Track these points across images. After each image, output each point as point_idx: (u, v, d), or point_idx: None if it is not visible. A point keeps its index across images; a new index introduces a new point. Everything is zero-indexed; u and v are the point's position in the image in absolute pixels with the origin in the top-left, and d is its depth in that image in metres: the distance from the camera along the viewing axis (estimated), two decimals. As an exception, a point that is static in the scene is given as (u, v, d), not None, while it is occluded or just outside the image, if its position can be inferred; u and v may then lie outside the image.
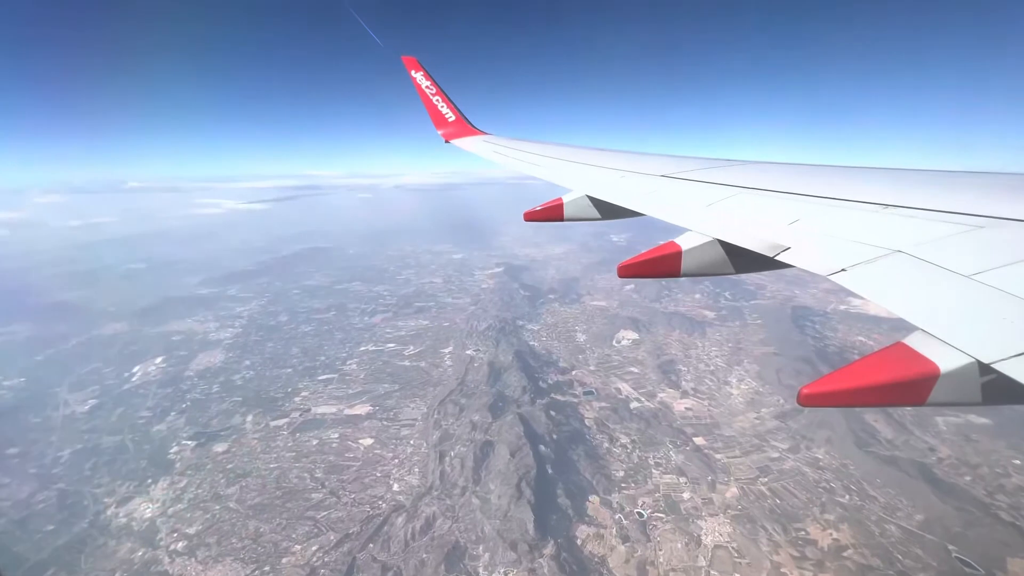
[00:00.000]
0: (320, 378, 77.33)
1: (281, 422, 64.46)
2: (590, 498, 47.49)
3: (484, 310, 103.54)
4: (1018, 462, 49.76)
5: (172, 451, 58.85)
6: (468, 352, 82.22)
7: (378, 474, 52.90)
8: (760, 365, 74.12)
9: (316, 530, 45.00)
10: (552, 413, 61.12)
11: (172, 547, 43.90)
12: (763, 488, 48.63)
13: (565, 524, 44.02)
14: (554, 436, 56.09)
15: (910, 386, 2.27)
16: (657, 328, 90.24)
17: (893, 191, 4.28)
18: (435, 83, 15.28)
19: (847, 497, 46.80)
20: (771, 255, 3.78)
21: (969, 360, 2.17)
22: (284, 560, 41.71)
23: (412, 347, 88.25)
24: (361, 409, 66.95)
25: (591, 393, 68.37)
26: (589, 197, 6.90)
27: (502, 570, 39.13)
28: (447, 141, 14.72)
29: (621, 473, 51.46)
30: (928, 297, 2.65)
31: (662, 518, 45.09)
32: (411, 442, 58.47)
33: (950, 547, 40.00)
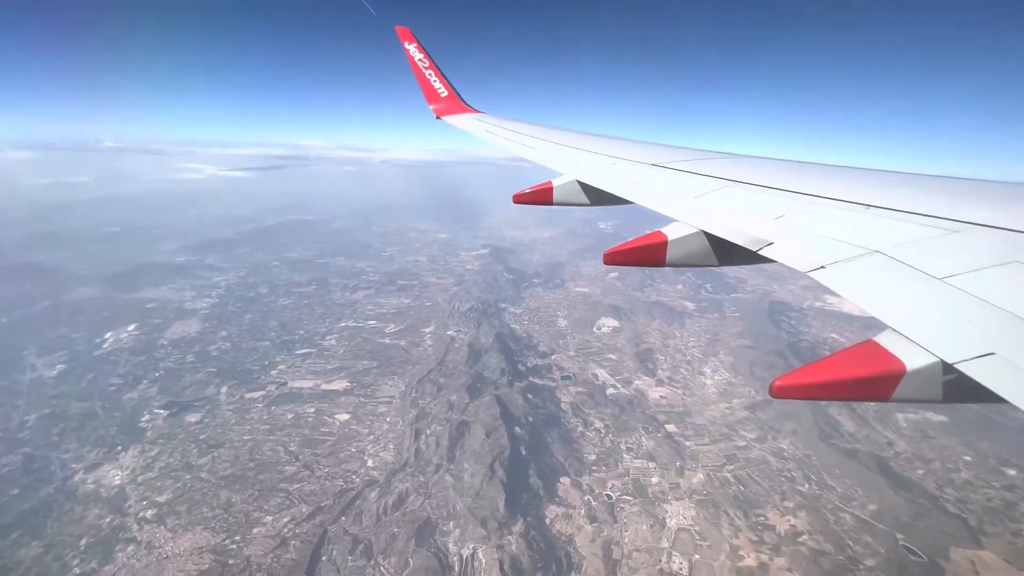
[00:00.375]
0: (298, 352, 76.71)
1: (257, 394, 63.99)
2: (561, 479, 48.53)
3: (467, 291, 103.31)
4: (969, 458, 52.24)
5: (143, 419, 58.09)
6: (449, 332, 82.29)
7: (353, 449, 53.13)
8: (735, 357, 75.81)
9: (288, 502, 45.21)
10: (529, 396, 61.85)
11: (141, 514, 43.69)
12: (728, 475, 50.25)
13: (535, 504, 45.00)
14: (530, 418, 56.86)
15: (876, 382, 2.37)
16: (638, 317, 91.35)
17: (876, 192, 4.37)
18: (428, 56, 14.90)
19: (807, 486, 48.69)
20: (755, 249, 3.86)
21: (934, 360, 2.27)
22: (255, 530, 41.91)
23: (393, 325, 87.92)
24: (339, 385, 66.80)
25: (569, 378, 69.28)
26: (579, 182, 6.85)
27: (471, 546, 39.96)
28: (438, 117, 14.41)
29: (593, 456, 52.59)
30: (900, 297, 2.74)
31: (630, 501, 46.38)
32: (387, 419, 58.71)
33: (898, 536, 42.08)
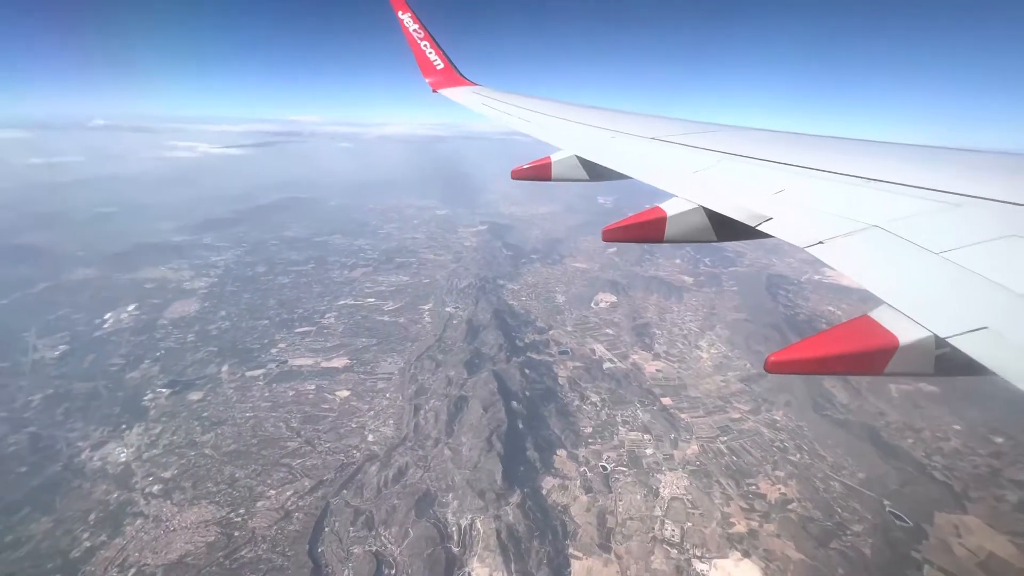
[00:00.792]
0: (297, 330, 77.19)
1: (257, 372, 64.72)
2: (557, 452, 49.56)
3: (466, 268, 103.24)
4: (958, 427, 53.18)
5: (146, 398, 58.93)
6: (447, 309, 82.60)
7: (353, 425, 54.07)
8: (731, 331, 76.29)
9: (291, 476, 46.29)
10: (527, 371, 62.55)
11: (147, 490, 44.80)
12: (722, 446, 51.27)
13: (532, 475, 46.08)
14: (527, 393, 57.66)
15: (869, 357, 2.42)
16: (635, 292, 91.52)
17: (877, 165, 4.35)
18: (423, 27, 14.45)
19: (798, 456, 49.75)
20: (753, 225, 3.86)
21: (927, 334, 2.31)
22: (259, 504, 43.03)
23: (391, 302, 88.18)
24: (338, 362, 67.48)
25: (566, 353, 69.91)
26: (578, 157, 6.79)
27: (470, 516, 41.10)
28: (434, 90, 14.12)
29: (589, 429, 53.55)
30: (897, 272, 2.76)
31: (624, 472, 47.46)
32: (387, 395, 59.54)
33: (885, 502, 43.23)
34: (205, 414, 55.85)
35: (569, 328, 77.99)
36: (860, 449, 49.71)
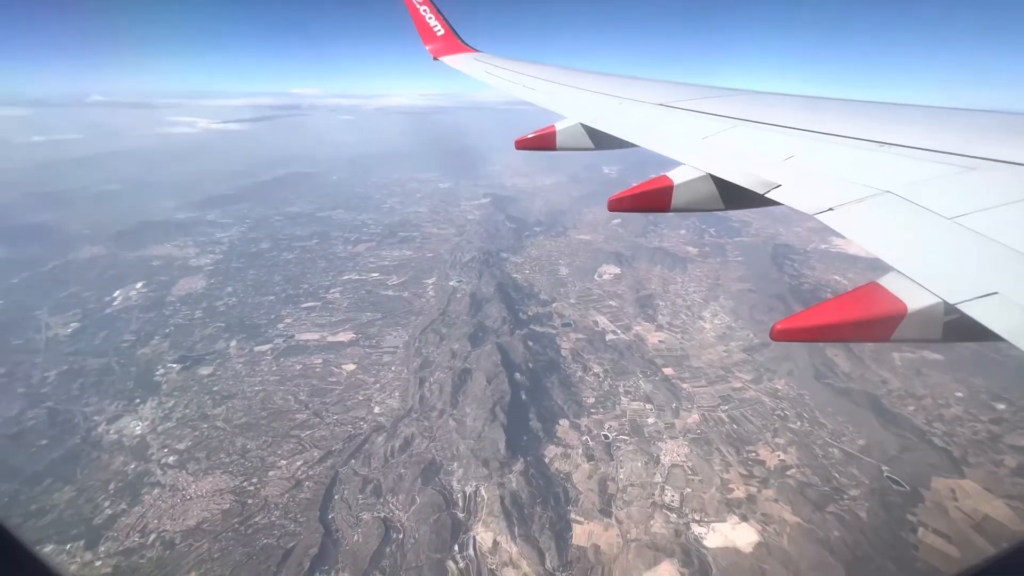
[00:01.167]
0: (303, 306, 77.97)
1: (265, 347, 65.79)
2: (560, 422, 50.43)
3: (469, 241, 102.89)
4: (960, 394, 53.30)
5: (158, 373, 60.30)
6: (451, 283, 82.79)
7: (360, 397, 55.17)
8: (735, 301, 76.03)
9: (300, 447, 47.63)
10: (530, 343, 63.05)
11: (163, 461, 46.38)
12: (723, 415, 51.88)
13: (535, 444, 47.07)
14: (530, 365, 58.28)
15: (877, 324, 2.41)
16: (640, 263, 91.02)
17: (891, 128, 4.24)
18: None
19: (799, 424, 50.29)
20: (762, 192, 3.81)
21: (936, 300, 2.29)
22: (270, 473, 44.49)
23: (395, 277, 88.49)
24: (344, 336, 68.33)
25: (569, 325, 70.23)
26: (583, 126, 6.66)
27: (474, 484, 42.28)
28: (435, 58, 13.76)
29: (592, 400, 54.29)
30: (908, 238, 2.73)
31: (626, 440, 48.33)
32: (392, 368, 60.46)
33: (883, 468, 43.85)
34: (215, 388, 57.17)
35: (572, 300, 78.08)
36: (861, 416, 50.11)
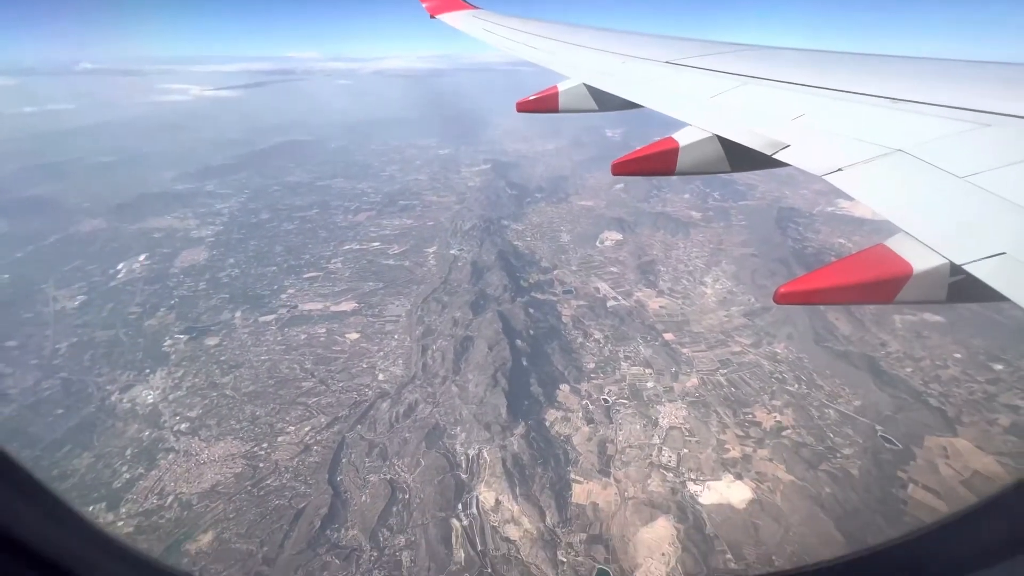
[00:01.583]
0: (305, 276, 78.38)
1: (269, 318, 66.63)
2: (560, 387, 51.38)
3: (469, 209, 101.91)
4: (959, 356, 53.63)
5: (166, 344, 61.45)
6: (452, 251, 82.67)
7: (364, 365, 56.22)
8: (737, 266, 75.67)
9: (308, 414, 48.98)
10: (531, 311, 63.42)
11: (176, 428, 47.95)
12: (721, 378, 52.62)
13: (536, 409, 48.16)
14: (531, 332, 58.86)
15: (881, 285, 2.40)
16: (642, 229, 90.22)
17: (904, 84, 4.10)
18: None
19: (796, 386, 51.02)
20: (770, 153, 3.73)
21: (942, 261, 2.28)
22: (280, 439, 45.98)
23: (396, 246, 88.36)
24: (347, 306, 68.96)
25: (570, 292, 70.43)
26: (586, 86, 6.47)
27: (476, 447, 43.59)
28: (432, 16, 13.25)
29: (592, 365, 55.08)
30: (917, 199, 2.70)
31: (625, 404, 49.32)
32: (395, 336, 61.28)
33: (877, 427, 44.71)
34: (223, 358, 58.33)
35: (574, 267, 77.98)
36: (858, 378, 50.69)
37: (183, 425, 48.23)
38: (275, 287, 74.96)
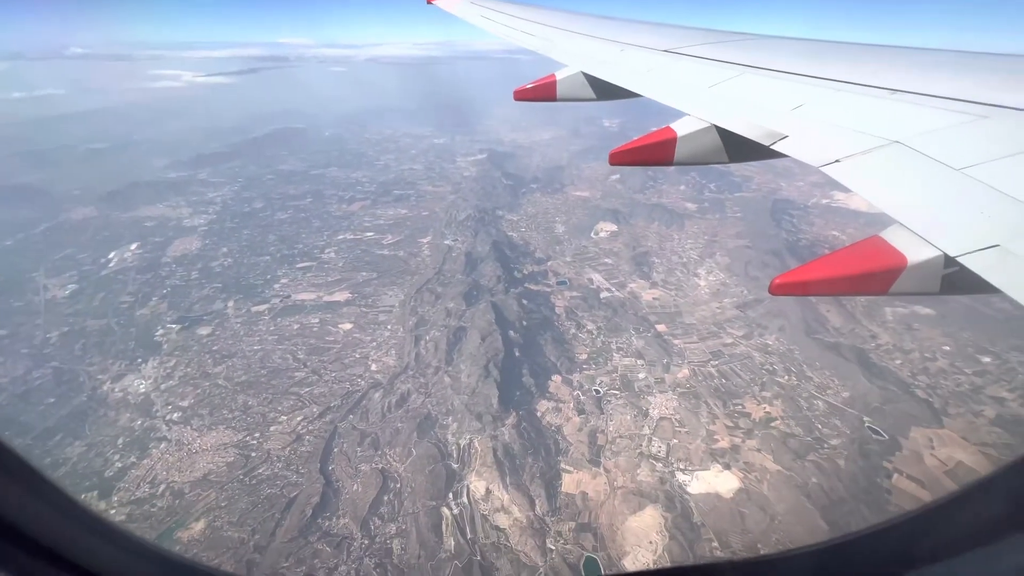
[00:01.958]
0: (299, 266, 78.04)
1: (262, 307, 66.44)
2: (552, 378, 51.62)
3: (464, 199, 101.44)
4: (947, 348, 54.15)
5: (158, 334, 61.23)
6: (446, 242, 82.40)
7: (357, 355, 56.25)
8: (731, 257, 75.83)
9: (300, 403, 49.09)
10: (524, 302, 63.50)
11: (168, 417, 47.97)
12: (712, 370, 52.98)
13: (527, 399, 48.42)
14: (524, 323, 58.96)
15: (876, 277, 2.43)
16: (637, 220, 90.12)
17: (904, 75, 4.10)
18: None
19: (786, 378, 51.43)
20: (768, 144, 3.73)
21: (936, 253, 2.30)
22: (272, 428, 46.12)
23: (391, 236, 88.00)
24: (340, 296, 68.81)
25: (564, 283, 70.47)
26: (584, 74, 6.41)
27: (468, 436, 43.87)
28: (429, 2, 13.01)
29: (584, 356, 55.32)
30: (913, 190, 2.70)
31: (617, 395, 49.64)
32: (388, 327, 61.27)
33: (865, 419, 45.24)
34: (215, 348, 58.22)
35: (568, 259, 77.96)
36: (847, 370, 51.14)
37: (175, 414, 48.25)
38: (268, 277, 74.64)
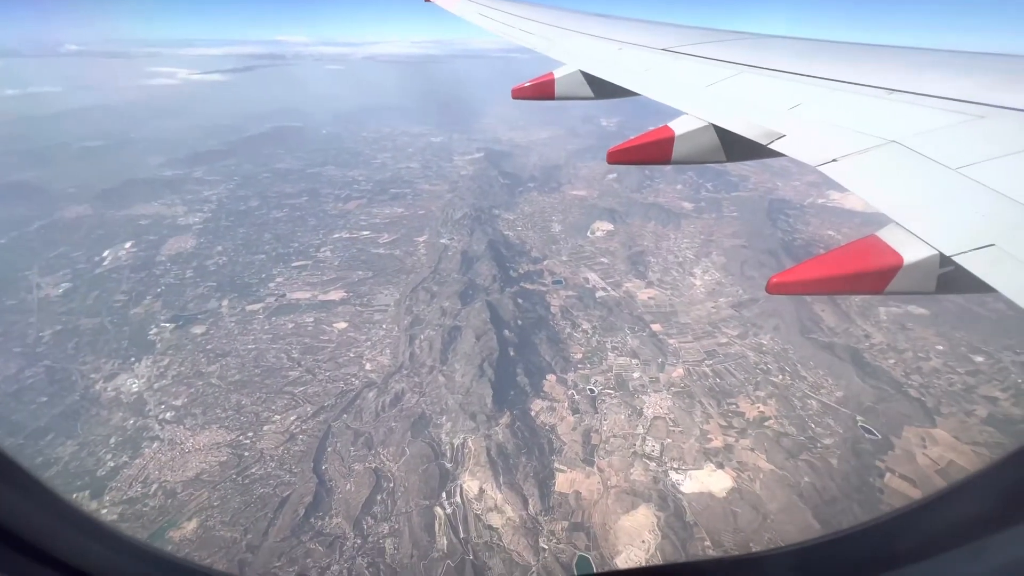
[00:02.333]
0: (294, 264, 77.85)
1: (257, 306, 66.24)
2: (547, 377, 51.62)
3: (461, 198, 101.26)
4: (941, 347, 54.35)
5: (152, 333, 61.00)
6: (442, 241, 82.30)
7: (352, 355, 56.15)
8: (727, 257, 75.93)
9: (294, 403, 48.98)
10: (519, 301, 63.42)
11: (161, 416, 47.81)
12: (707, 369, 53.06)
13: (521, 399, 48.40)
14: (519, 322, 58.91)
15: (872, 276, 2.44)
16: (633, 219, 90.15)
17: (902, 75, 4.10)
18: None
19: (780, 377, 51.54)
20: (765, 143, 3.74)
21: (933, 252, 2.31)
22: (265, 428, 46.01)
23: (387, 235, 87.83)
24: (335, 295, 68.65)
25: (560, 282, 70.46)
26: (583, 73, 6.41)
27: (462, 436, 43.83)
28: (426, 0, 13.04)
29: (579, 355, 55.32)
30: (910, 190, 2.71)
31: (611, 394, 49.67)
32: (383, 326, 61.17)
33: (858, 418, 45.38)
34: (209, 347, 58.03)
35: (564, 258, 77.94)
36: (841, 370, 51.27)
37: (168, 414, 48.09)
38: (263, 276, 74.42)
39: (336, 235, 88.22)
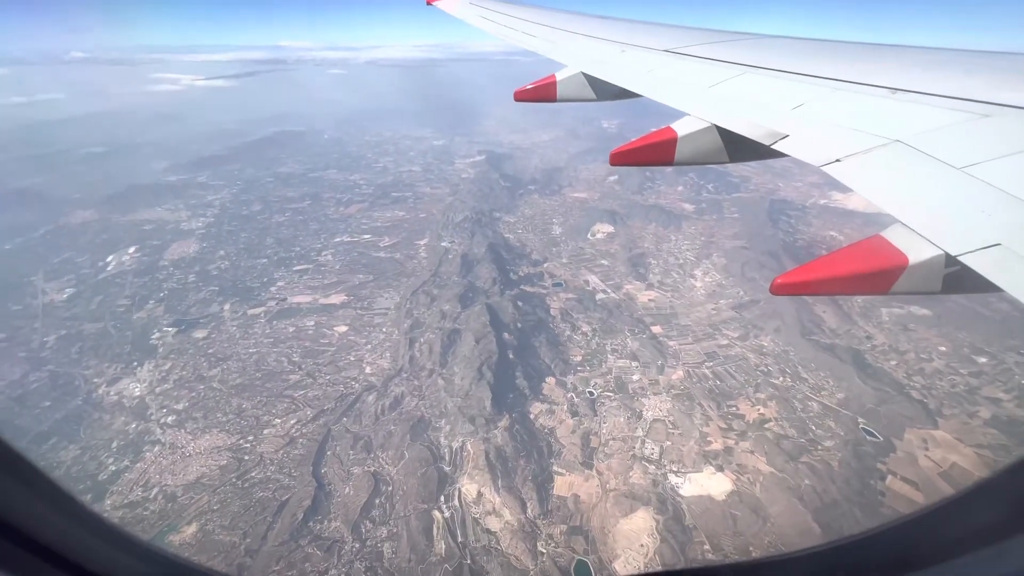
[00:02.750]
0: (295, 268, 78.18)
1: (258, 310, 66.54)
2: (546, 380, 51.56)
3: (462, 201, 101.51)
4: (943, 349, 53.93)
5: (154, 337, 61.37)
6: (443, 244, 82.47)
7: (352, 358, 56.29)
8: (728, 259, 75.69)
9: (294, 407, 49.13)
10: (519, 304, 63.46)
11: (163, 420, 48.05)
12: (707, 371, 52.86)
13: (520, 402, 48.37)
14: (519, 325, 58.92)
15: (877, 276, 2.43)
16: (634, 221, 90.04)
17: (906, 74, 4.08)
18: None
19: (781, 379, 51.28)
20: (768, 144, 3.72)
21: (938, 252, 2.31)
22: (266, 431, 46.15)
23: (388, 238, 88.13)
24: (336, 299, 68.89)
25: (560, 285, 70.43)
26: (584, 75, 6.43)
27: (461, 439, 43.83)
28: (429, 3, 13.11)
29: (579, 358, 55.25)
30: (914, 190, 2.68)
31: (611, 396, 49.56)
32: (384, 329, 61.30)
33: (860, 420, 45.07)
34: (211, 351, 58.32)
35: (564, 260, 77.93)
36: (843, 371, 50.96)
37: (170, 418, 48.34)
38: (265, 280, 74.78)
39: (337, 239, 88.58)
